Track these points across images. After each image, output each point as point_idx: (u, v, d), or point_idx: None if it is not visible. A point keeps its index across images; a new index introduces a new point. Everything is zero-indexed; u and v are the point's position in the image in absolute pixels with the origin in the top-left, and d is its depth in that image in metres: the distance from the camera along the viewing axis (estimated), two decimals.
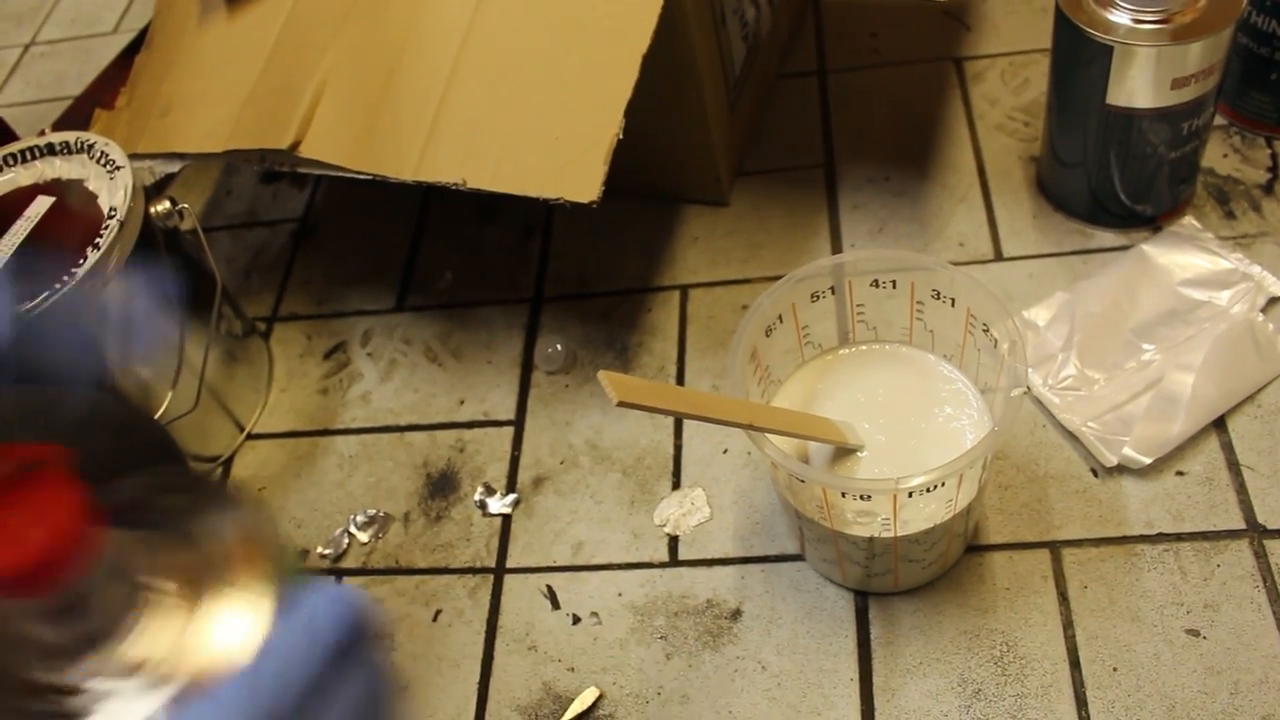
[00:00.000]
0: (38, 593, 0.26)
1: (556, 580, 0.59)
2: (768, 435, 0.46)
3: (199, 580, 0.29)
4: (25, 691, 0.27)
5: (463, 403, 0.68)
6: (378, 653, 0.28)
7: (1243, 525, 0.54)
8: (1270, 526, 0.54)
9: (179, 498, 0.32)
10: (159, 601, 0.28)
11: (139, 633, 0.28)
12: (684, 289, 0.71)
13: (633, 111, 0.54)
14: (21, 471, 0.26)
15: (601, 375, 0.40)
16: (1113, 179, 0.63)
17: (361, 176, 0.58)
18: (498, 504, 0.63)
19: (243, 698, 0.25)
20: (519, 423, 0.66)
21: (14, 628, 0.27)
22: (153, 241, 0.61)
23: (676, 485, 0.62)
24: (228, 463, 0.68)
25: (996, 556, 0.55)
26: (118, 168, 0.61)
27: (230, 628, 0.28)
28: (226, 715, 0.24)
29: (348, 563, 0.62)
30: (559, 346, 0.68)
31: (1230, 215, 0.66)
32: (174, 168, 0.66)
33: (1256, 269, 0.62)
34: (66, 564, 0.26)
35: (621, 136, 0.54)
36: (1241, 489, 0.55)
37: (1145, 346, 0.60)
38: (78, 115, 0.90)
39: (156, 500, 0.32)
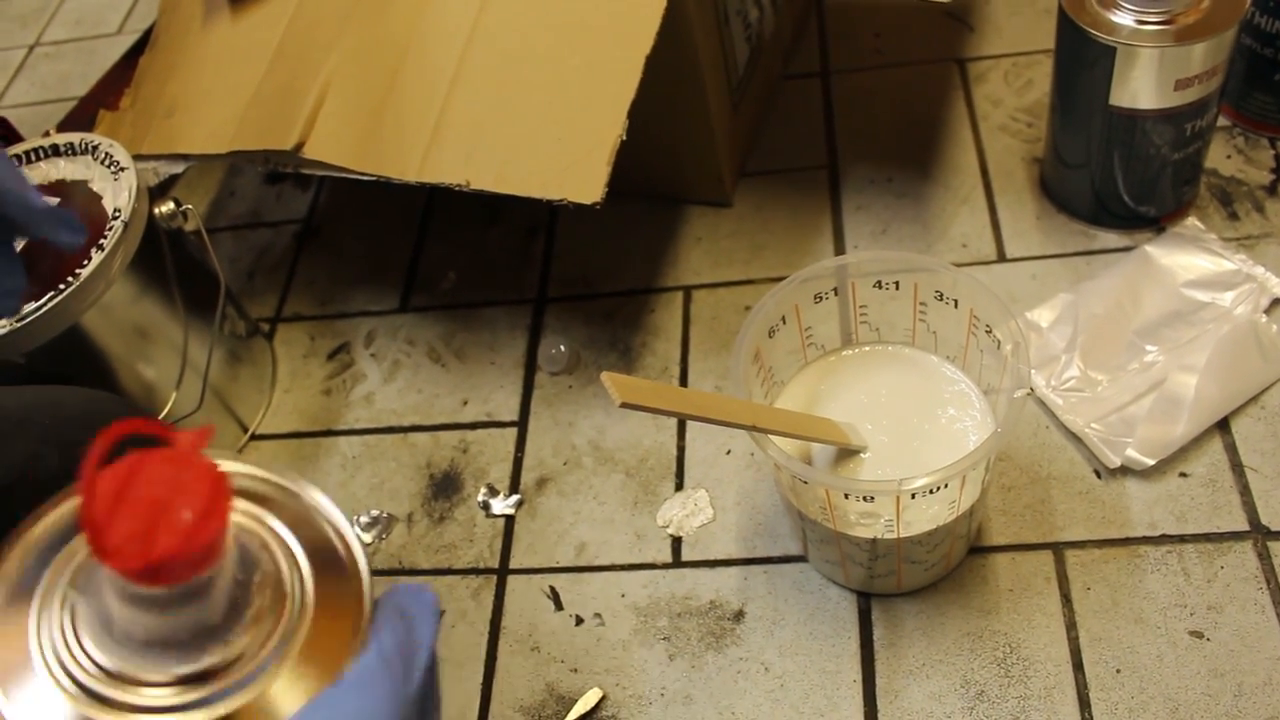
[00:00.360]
0: (180, 579, 0.25)
1: (560, 581, 0.59)
2: (771, 436, 0.46)
3: (292, 584, 0.29)
4: (99, 673, 0.27)
5: (466, 403, 0.68)
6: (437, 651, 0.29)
7: (1246, 527, 0.54)
8: (1274, 528, 0.53)
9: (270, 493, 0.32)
10: (260, 603, 0.28)
11: (242, 632, 0.27)
12: (687, 290, 0.71)
13: (636, 113, 0.54)
14: (153, 448, 0.26)
15: (604, 376, 0.40)
16: (1116, 180, 0.63)
17: (365, 177, 0.58)
18: (501, 505, 0.63)
19: (382, 684, 0.25)
20: (522, 423, 0.66)
21: (116, 609, 0.27)
22: (156, 242, 0.61)
23: (679, 486, 0.62)
24: None
25: (999, 558, 0.55)
26: (122, 169, 0.61)
27: (329, 630, 0.28)
28: (371, 701, 0.25)
29: None
30: (562, 347, 0.68)
31: (1234, 216, 0.66)
32: (178, 169, 0.66)
33: (1260, 270, 0.62)
34: (215, 551, 0.26)
35: (625, 137, 0.54)
36: (1245, 490, 0.55)
37: (1148, 348, 0.60)
38: (82, 116, 0.90)
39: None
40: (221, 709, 0.26)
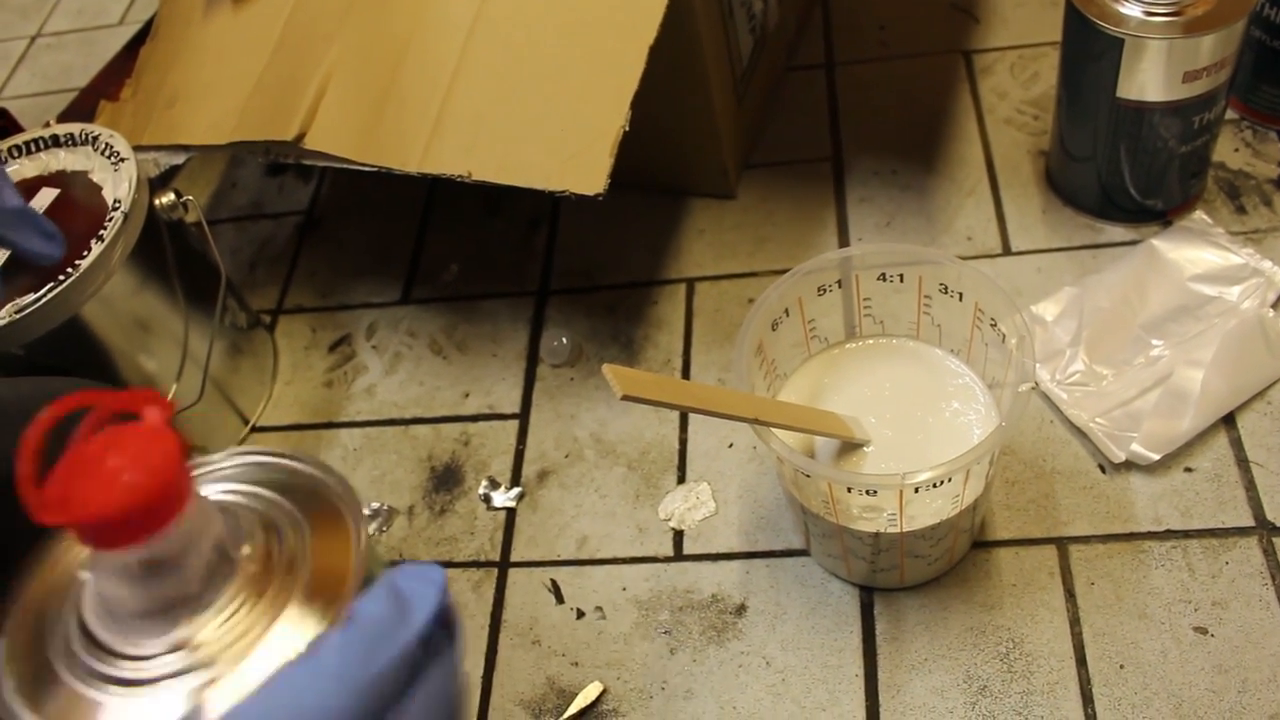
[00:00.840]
0: (129, 542, 0.25)
1: (561, 574, 0.59)
2: (773, 430, 0.46)
3: (284, 561, 0.29)
4: (93, 648, 0.27)
5: (468, 396, 0.68)
6: (457, 634, 0.27)
7: (1251, 522, 0.54)
8: (1279, 524, 0.53)
9: (272, 476, 0.32)
10: (245, 578, 0.28)
11: (222, 606, 0.27)
12: (690, 282, 0.70)
13: (639, 104, 0.53)
14: (119, 418, 0.26)
15: (606, 369, 0.39)
16: (1123, 173, 0.63)
17: (367, 169, 0.58)
18: (502, 497, 0.62)
19: (331, 663, 0.24)
20: (524, 416, 0.66)
21: (100, 582, 0.27)
22: (157, 234, 0.61)
23: (681, 479, 0.61)
24: None
25: (1003, 552, 0.55)
26: (122, 160, 0.60)
27: (306, 613, 0.28)
28: (312, 681, 0.24)
29: None
30: (564, 340, 0.68)
31: (1241, 210, 0.66)
32: (179, 160, 0.66)
33: (1267, 264, 0.61)
34: (161, 513, 0.25)
35: (628, 129, 0.53)
36: (1250, 486, 0.55)
37: (1154, 342, 0.60)
38: (83, 107, 0.90)
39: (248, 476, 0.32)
40: (199, 680, 0.27)
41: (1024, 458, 0.58)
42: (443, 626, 0.27)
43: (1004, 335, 0.48)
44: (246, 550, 0.28)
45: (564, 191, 0.53)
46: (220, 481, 0.31)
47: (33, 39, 1.08)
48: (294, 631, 0.27)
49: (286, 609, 0.28)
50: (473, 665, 0.56)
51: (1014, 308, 0.48)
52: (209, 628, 0.27)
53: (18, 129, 0.80)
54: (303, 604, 0.28)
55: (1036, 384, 0.59)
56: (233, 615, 0.27)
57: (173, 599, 0.27)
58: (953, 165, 0.72)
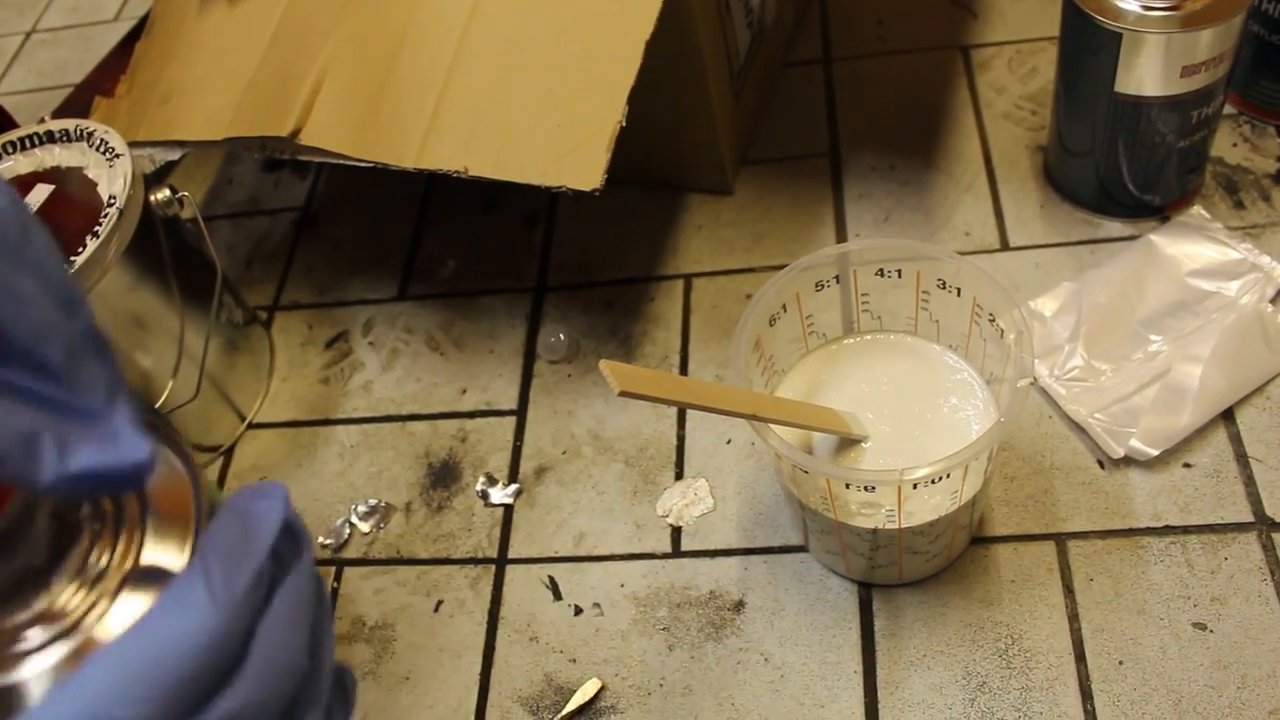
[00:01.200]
0: None
1: (558, 571, 0.59)
2: (771, 425, 0.46)
3: (125, 512, 0.29)
4: None
5: (465, 392, 0.68)
6: (304, 543, 0.28)
7: (1250, 518, 0.53)
8: (1278, 519, 0.53)
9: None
10: (90, 537, 0.28)
11: (73, 570, 0.27)
12: (687, 278, 0.70)
13: (636, 99, 0.53)
14: None
15: (603, 365, 0.39)
16: (1121, 168, 0.63)
17: (363, 164, 0.58)
18: (500, 494, 0.62)
19: (196, 592, 0.24)
20: (521, 412, 0.66)
21: None
22: (152, 230, 0.61)
23: (679, 476, 0.61)
24: (229, 452, 0.68)
25: (1002, 548, 0.55)
26: (117, 155, 0.60)
27: (158, 558, 0.28)
28: (182, 611, 0.24)
29: (349, 553, 0.62)
30: (561, 336, 0.67)
31: (1239, 205, 0.65)
32: (174, 155, 0.65)
33: (1266, 259, 0.61)
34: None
35: (625, 124, 0.53)
36: (1250, 481, 0.55)
37: (1153, 337, 0.60)
38: (78, 103, 0.90)
39: None
40: (66, 646, 0.26)
41: (1022, 453, 0.58)
42: (289, 538, 0.27)
43: (1002, 331, 0.48)
44: (85, 510, 0.28)
45: (561, 187, 0.53)
46: None
47: (28, 35, 1.08)
48: (149, 577, 0.27)
49: (137, 557, 0.28)
50: (470, 662, 0.56)
51: (1012, 303, 0.48)
52: (65, 594, 0.27)
53: (13, 125, 0.80)
54: (152, 548, 0.28)
55: (1035, 379, 0.59)
56: (85, 576, 0.27)
57: (19, 577, 0.26)
58: (951, 160, 0.72)
